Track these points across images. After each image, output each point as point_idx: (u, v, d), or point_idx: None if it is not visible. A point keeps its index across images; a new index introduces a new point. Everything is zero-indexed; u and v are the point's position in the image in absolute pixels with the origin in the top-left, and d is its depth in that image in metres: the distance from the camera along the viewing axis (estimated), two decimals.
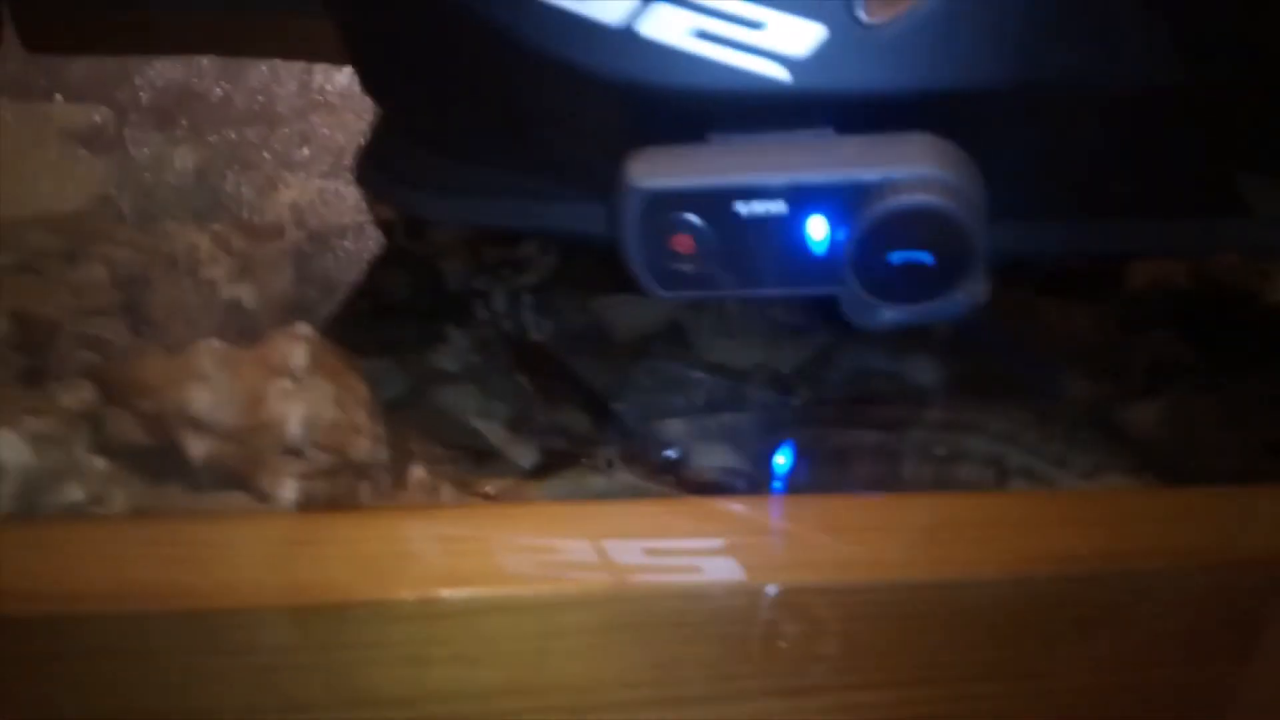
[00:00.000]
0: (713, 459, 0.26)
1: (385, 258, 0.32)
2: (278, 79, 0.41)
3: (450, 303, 0.31)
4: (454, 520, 0.21)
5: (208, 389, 0.24)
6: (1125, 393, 0.28)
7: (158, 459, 0.23)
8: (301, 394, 0.23)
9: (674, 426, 0.27)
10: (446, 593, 0.18)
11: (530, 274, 0.31)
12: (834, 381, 0.29)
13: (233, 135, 0.38)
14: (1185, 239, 0.21)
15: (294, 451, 0.23)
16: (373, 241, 0.31)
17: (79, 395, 0.24)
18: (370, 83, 0.24)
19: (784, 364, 0.29)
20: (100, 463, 0.23)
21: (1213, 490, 0.22)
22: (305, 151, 0.37)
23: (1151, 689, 0.21)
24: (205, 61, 0.42)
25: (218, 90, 0.40)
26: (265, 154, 0.37)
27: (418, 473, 0.24)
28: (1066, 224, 0.21)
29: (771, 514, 0.20)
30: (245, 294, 0.30)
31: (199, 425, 0.24)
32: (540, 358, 0.29)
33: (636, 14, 0.19)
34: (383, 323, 0.30)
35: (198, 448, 0.23)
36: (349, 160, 0.31)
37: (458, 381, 0.28)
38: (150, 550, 0.18)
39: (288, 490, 0.23)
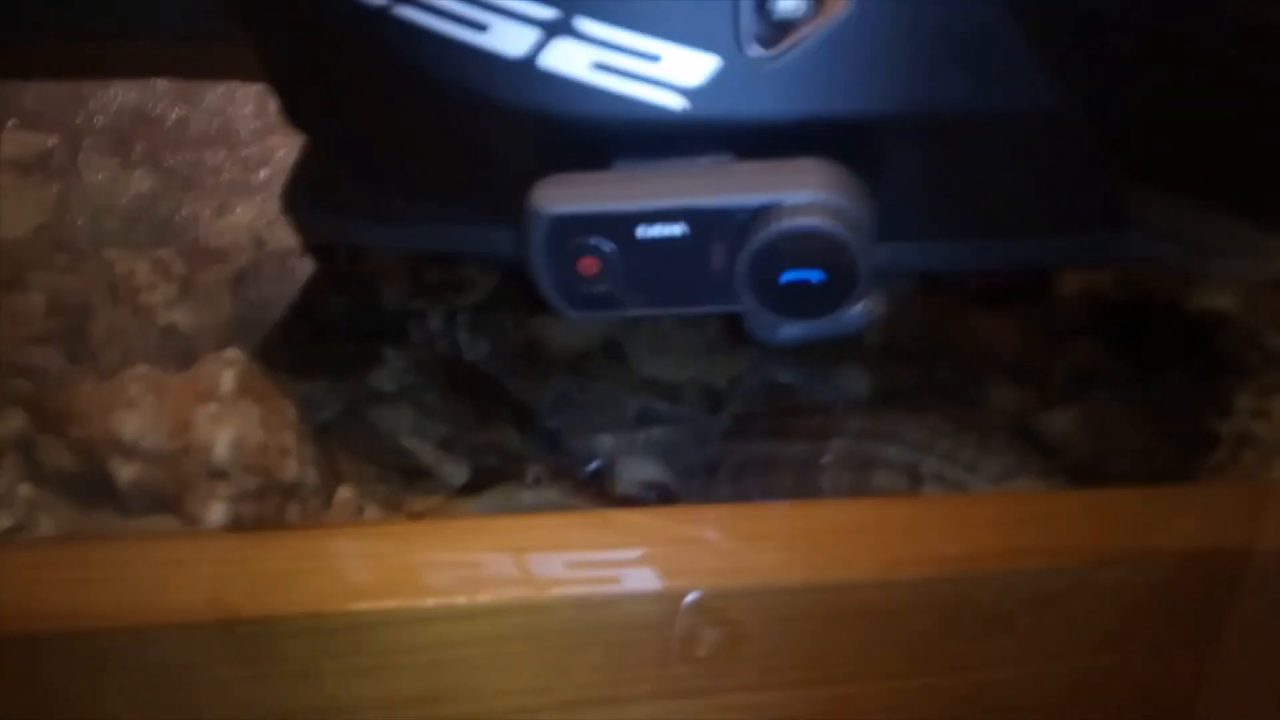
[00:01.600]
0: (638, 473, 0.27)
1: (325, 280, 0.33)
2: (233, 101, 0.41)
3: (388, 324, 0.31)
4: (374, 537, 0.21)
5: (136, 415, 0.24)
6: (1043, 400, 0.29)
7: (87, 484, 0.24)
8: (229, 418, 0.24)
9: (603, 442, 0.28)
10: (364, 606, 0.19)
11: (469, 294, 0.32)
12: (763, 394, 0.29)
13: (185, 159, 0.39)
14: (1073, 253, 0.22)
15: (221, 474, 0.24)
16: (314, 264, 0.32)
17: (10, 424, 0.25)
18: (289, 110, 0.24)
19: (716, 378, 0.30)
20: (28, 489, 0.23)
21: (1117, 490, 0.23)
22: (261, 175, 0.37)
23: (1062, 681, 0.22)
24: (161, 84, 0.42)
25: (173, 113, 0.41)
26: (215, 177, 0.38)
27: (345, 493, 0.24)
28: (958, 241, 0.21)
29: (678, 523, 0.21)
30: (182, 319, 0.31)
31: (128, 450, 0.24)
32: (474, 377, 0.30)
33: (538, 47, 0.20)
34: (320, 344, 0.31)
35: (126, 473, 0.24)
36: None
37: (393, 401, 0.28)
38: (68, 573, 0.18)
39: (215, 512, 0.23)
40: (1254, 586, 0.20)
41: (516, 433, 0.28)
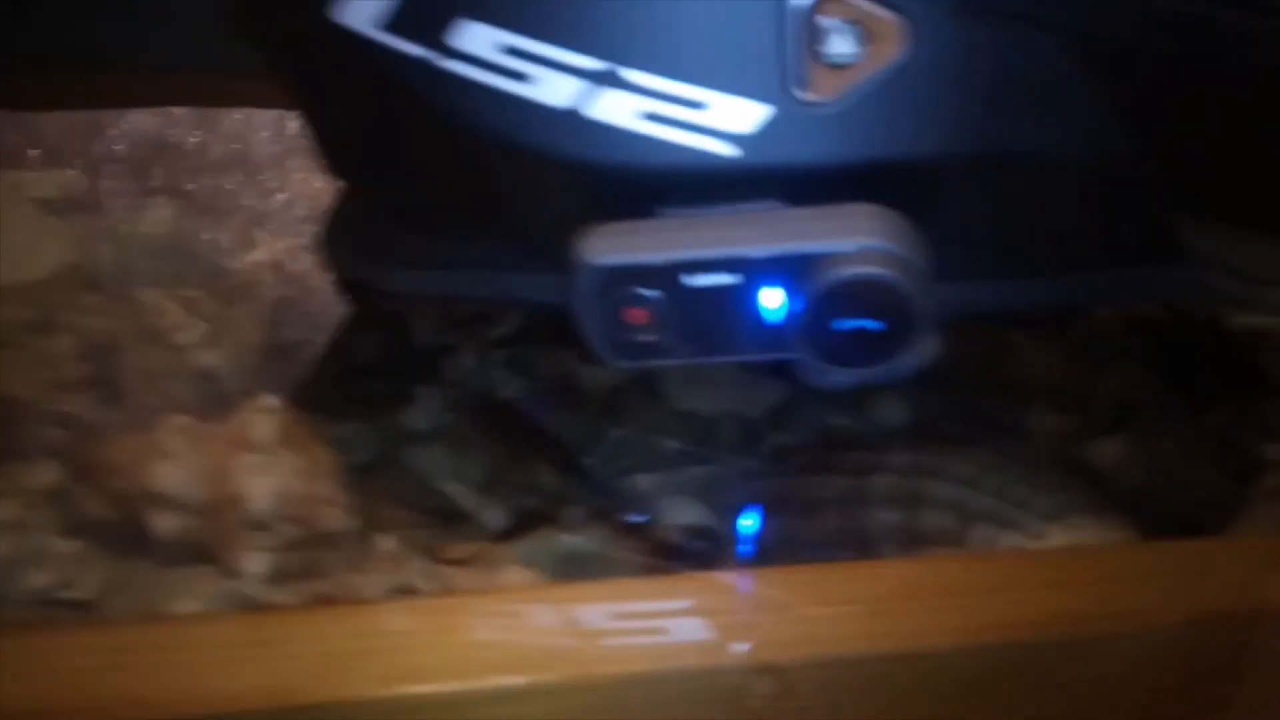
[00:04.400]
0: (681, 516, 0.26)
1: (356, 316, 0.32)
2: (251, 126, 0.41)
3: (420, 361, 0.31)
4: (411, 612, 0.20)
5: (175, 465, 0.24)
6: (1089, 428, 0.28)
7: (125, 537, 0.24)
8: (268, 467, 0.24)
9: (644, 482, 0.27)
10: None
11: (500, 328, 0.31)
12: (802, 426, 0.29)
13: (207, 187, 0.39)
14: (1130, 288, 0.22)
15: (261, 526, 0.23)
16: (344, 299, 0.32)
17: (46, 475, 0.24)
18: (330, 163, 0.24)
19: (753, 409, 0.30)
20: (65, 545, 0.23)
21: (1162, 545, 0.23)
22: (283, 203, 0.37)
23: None
24: (179, 111, 0.42)
25: (191, 140, 0.41)
26: (239, 206, 0.38)
27: (386, 543, 0.24)
28: (1012, 280, 0.21)
29: (736, 585, 0.20)
30: (215, 360, 0.30)
31: (167, 502, 0.24)
32: (509, 415, 0.30)
33: (584, 98, 0.19)
34: (353, 383, 0.30)
35: (166, 524, 0.24)
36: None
37: (428, 442, 0.28)
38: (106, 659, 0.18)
39: (255, 564, 0.23)
40: None
41: (554, 472, 0.27)
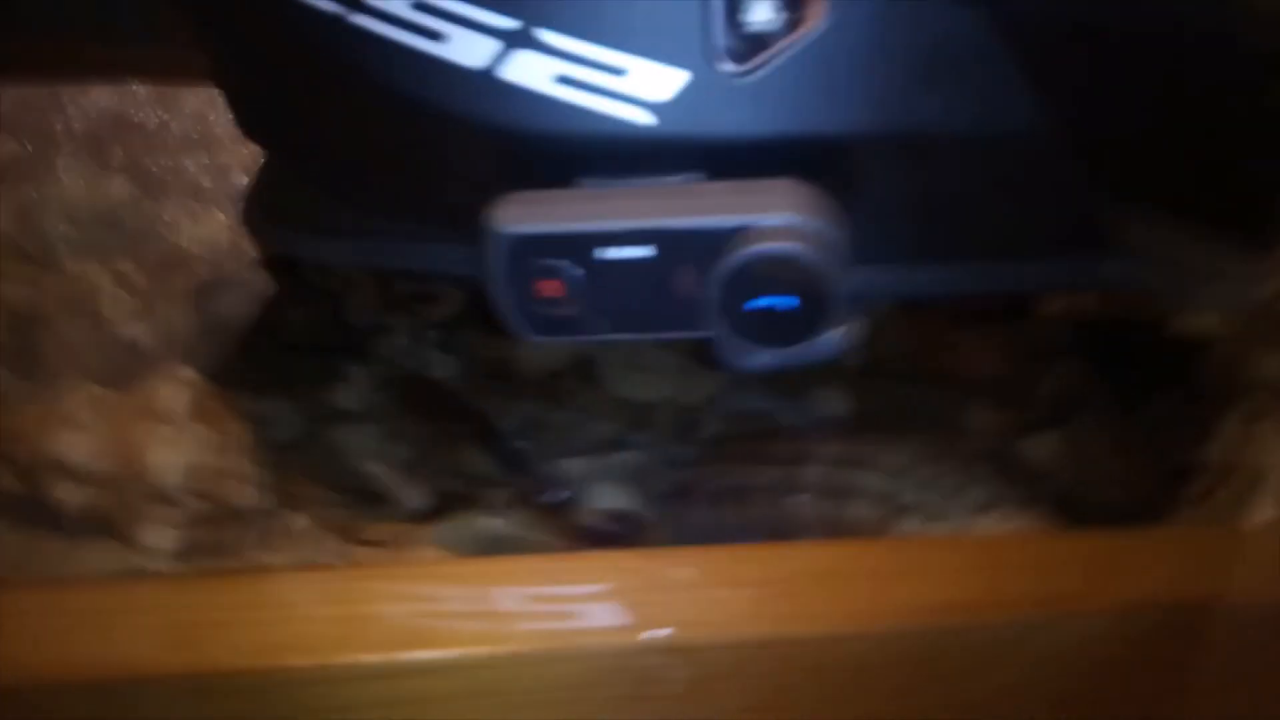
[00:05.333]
0: (609, 500, 0.26)
1: (290, 292, 0.32)
2: (213, 106, 0.40)
3: (354, 339, 0.30)
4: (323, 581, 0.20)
5: (83, 436, 0.23)
6: (1025, 424, 0.28)
7: (30, 508, 0.23)
8: (177, 440, 0.23)
9: (574, 465, 0.27)
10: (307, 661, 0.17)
11: (439, 308, 0.31)
12: (739, 415, 0.29)
13: (158, 163, 0.38)
14: (1055, 277, 0.21)
15: (168, 499, 0.23)
16: (279, 276, 0.31)
17: None
18: (244, 121, 0.23)
19: (691, 397, 0.29)
20: None
21: (1082, 535, 0.22)
22: (235, 181, 0.36)
23: None
24: (138, 87, 0.41)
25: (147, 117, 0.40)
26: (187, 182, 0.37)
27: (299, 521, 0.23)
28: (936, 265, 0.21)
29: (654, 564, 0.20)
30: (140, 332, 0.30)
31: (73, 473, 0.23)
32: (441, 396, 0.29)
33: (499, 59, 0.19)
34: (283, 359, 0.30)
35: (71, 496, 0.23)
36: None
37: (355, 421, 0.27)
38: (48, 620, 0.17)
39: (161, 538, 0.22)
40: (1225, 638, 0.19)
41: (482, 455, 0.27)
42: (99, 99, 0.40)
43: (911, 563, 0.19)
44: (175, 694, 0.18)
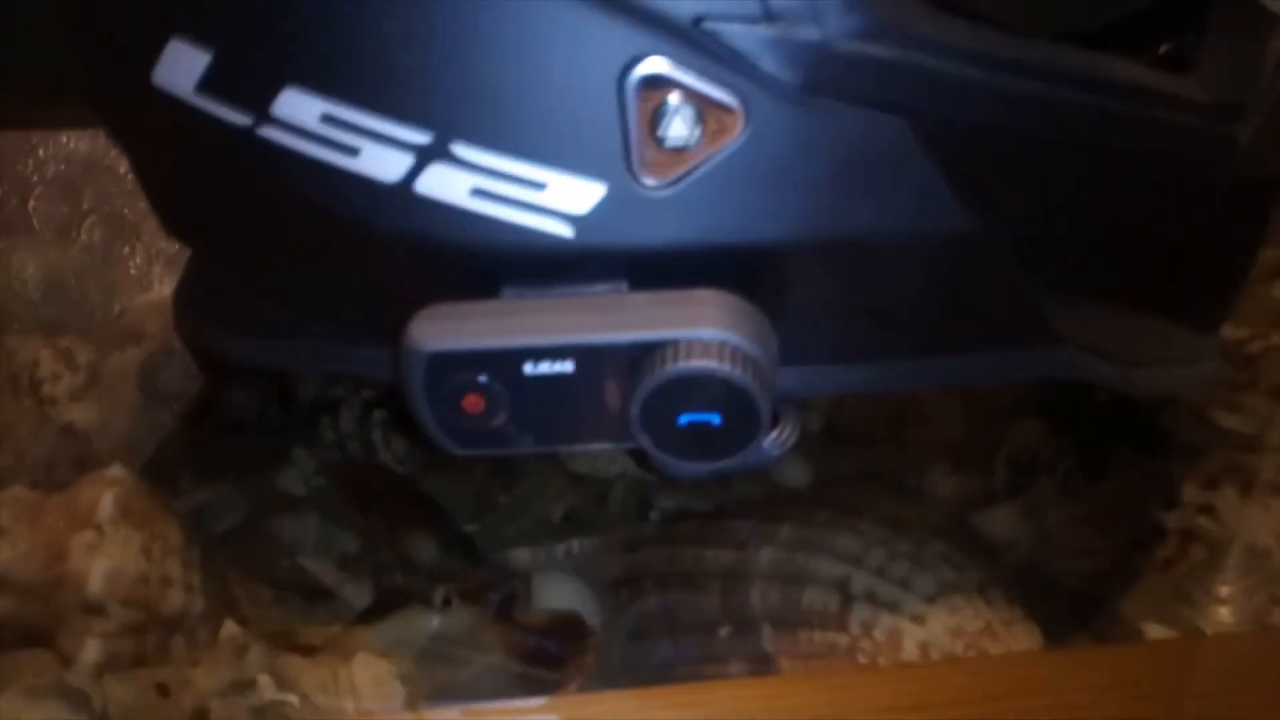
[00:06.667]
0: (554, 596, 0.25)
1: (236, 370, 0.31)
2: None
3: (300, 419, 0.29)
4: None
5: (8, 543, 0.22)
6: (984, 493, 0.27)
7: None
8: (105, 546, 0.22)
9: (520, 556, 0.26)
10: None
11: (382, 389, 0.30)
12: (696, 490, 0.28)
13: (116, 222, 0.37)
14: (997, 370, 0.21)
15: (96, 609, 0.22)
16: (214, 370, 0.30)
17: None
18: (166, 221, 0.23)
19: (648, 472, 0.28)
20: None
21: (1026, 656, 0.21)
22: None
23: None
24: (100, 138, 0.40)
25: (103, 169, 0.39)
26: (144, 245, 0.36)
27: (230, 628, 0.23)
28: (872, 364, 0.20)
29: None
30: (80, 415, 0.29)
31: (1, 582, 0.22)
32: (387, 481, 0.28)
33: (412, 173, 0.18)
34: (226, 443, 0.29)
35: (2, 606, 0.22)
36: None
37: (298, 509, 0.27)
38: None
39: (89, 651, 0.22)
40: None
41: (430, 544, 0.26)
42: (72, 150, 0.39)
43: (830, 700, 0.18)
44: None
